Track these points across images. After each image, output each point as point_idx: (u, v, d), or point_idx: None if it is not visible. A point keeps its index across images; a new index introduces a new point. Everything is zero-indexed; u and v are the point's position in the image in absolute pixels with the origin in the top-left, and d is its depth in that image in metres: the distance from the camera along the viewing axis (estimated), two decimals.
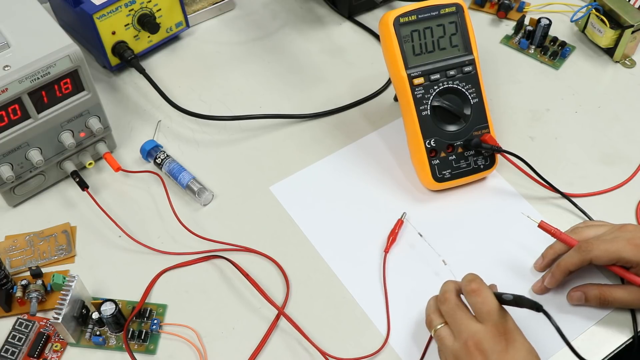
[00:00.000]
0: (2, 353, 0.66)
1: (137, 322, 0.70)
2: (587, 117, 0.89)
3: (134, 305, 0.71)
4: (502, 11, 1.00)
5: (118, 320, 0.68)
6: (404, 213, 0.78)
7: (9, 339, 0.67)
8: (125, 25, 0.89)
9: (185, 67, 0.95)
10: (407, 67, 0.77)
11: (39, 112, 0.73)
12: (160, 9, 0.91)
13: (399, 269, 0.74)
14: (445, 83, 0.78)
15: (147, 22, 0.90)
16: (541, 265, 0.73)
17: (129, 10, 0.88)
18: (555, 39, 0.96)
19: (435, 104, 0.78)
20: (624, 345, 0.70)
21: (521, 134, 0.86)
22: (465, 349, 0.60)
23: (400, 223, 0.77)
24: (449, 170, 0.79)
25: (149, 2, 0.90)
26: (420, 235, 0.76)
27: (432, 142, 0.78)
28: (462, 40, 0.79)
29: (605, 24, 0.91)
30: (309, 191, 0.81)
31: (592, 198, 0.80)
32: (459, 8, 0.78)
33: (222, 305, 0.72)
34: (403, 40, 0.77)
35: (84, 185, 0.78)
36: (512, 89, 0.92)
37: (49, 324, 0.70)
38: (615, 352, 0.69)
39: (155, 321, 0.70)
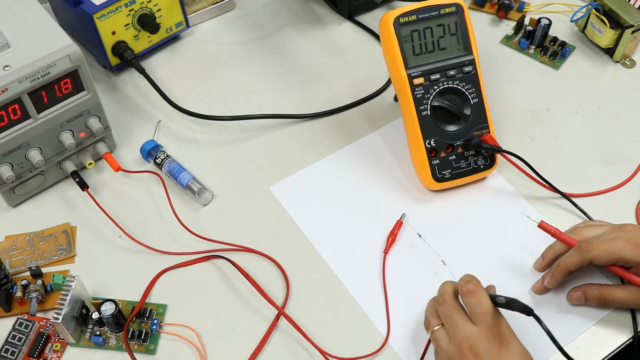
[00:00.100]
0: (2, 353, 0.66)
1: (137, 322, 0.70)
2: (587, 117, 0.89)
3: (134, 305, 0.71)
4: (502, 11, 1.00)
5: (118, 320, 0.68)
6: (403, 214, 0.78)
7: (9, 339, 0.67)
8: (125, 25, 0.89)
9: (185, 67, 0.95)
10: (407, 67, 0.77)
11: (39, 112, 0.73)
12: (160, 9, 0.91)
13: (398, 269, 0.74)
14: (445, 83, 0.78)
15: (147, 22, 0.90)
16: (541, 265, 0.73)
17: (129, 10, 0.88)
18: (555, 39, 0.96)
19: (435, 104, 0.78)
20: (624, 345, 0.70)
21: (521, 134, 0.86)
22: (460, 351, 0.60)
23: (399, 224, 0.77)
24: (449, 170, 0.79)
25: (149, 2, 0.90)
26: (420, 236, 0.76)
27: (432, 142, 0.78)
28: (462, 40, 0.79)
29: (605, 24, 0.91)
30: (309, 191, 0.81)
31: (592, 198, 0.80)
32: (459, 8, 0.78)
33: (222, 305, 0.72)
34: (403, 40, 0.77)
35: (84, 185, 0.78)
36: (512, 89, 0.92)
37: (49, 324, 0.70)
38: (615, 352, 0.69)
39: (155, 321, 0.70)
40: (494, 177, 0.82)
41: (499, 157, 0.80)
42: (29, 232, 0.77)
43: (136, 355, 0.68)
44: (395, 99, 0.90)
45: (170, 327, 0.70)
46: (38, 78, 0.70)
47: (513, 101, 0.90)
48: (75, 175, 0.79)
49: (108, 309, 0.67)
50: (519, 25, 0.98)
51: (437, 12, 0.77)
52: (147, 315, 0.71)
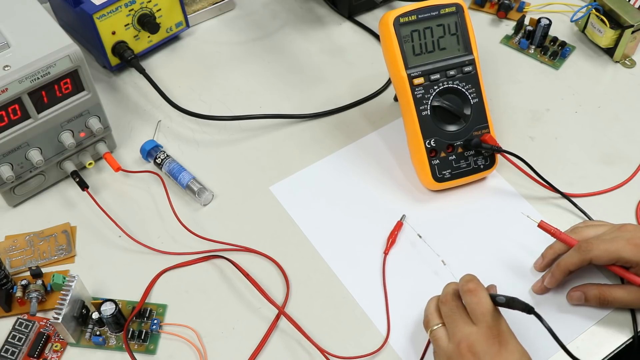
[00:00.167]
0: (2, 353, 0.66)
1: (137, 322, 0.70)
2: (587, 117, 0.89)
3: (134, 305, 0.71)
4: (502, 11, 1.00)
5: (118, 320, 0.68)
6: (404, 215, 0.78)
7: (9, 339, 0.67)
8: (125, 25, 0.89)
9: (185, 67, 0.95)
10: (407, 67, 0.77)
11: (39, 112, 0.73)
12: (160, 9, 0.91)
13: (399, 269, 0.74)
14: (445, 83, 0.78)
15: (147, 22, 0.90)
16: (541, 265, 0.73)
17: (129, 10, 0.88)
18: (555, 39, 0.96)
19: (435, 104, 0.78)
20: (624, 345, 0.69)
21: (521, 134, 0.86)
22: (458, 350, 0.61)
23: (399, 225, 0.77)
24: (449, 170, 0.79)
25: (149, 2, 0.90)
26: (420, 237, 0.76)
27: (432, 142, 0.78)
28: (462, 40, 0.79)
29: (605, 24, 0.91)
30: (309, 191, 0.81)
31: (592, 198, 0.80)
32: (459, 8, 0.78)
33: (222, 305, 0.72)
34: (403, 40, 0.77)
35: (84, 185, 0.78)
36: (512, 89, 0.92)
37: (49, 324, 0.70)
38: (615, 352, 0.69)
39: (155, 321, 0.70)
40: (494, 177, 0.82)
41: (499, 157, 0.80)
42: (29, 232, 0.77)
43: (136, 355, 0.68)
44: (395, 99, 0.90)
45: (170, 327, 0.70)
46: (38, 78, 0.70)
47: (513, 101, 0.90)
48: (75, 175, 0.79)
49: (108, 309, 0.67)
50: (519, 25, 0.98)
51: (437, 12, 0.77)
52: (147, 315, 0.71)
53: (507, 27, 1.00)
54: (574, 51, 0.96)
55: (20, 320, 0.69)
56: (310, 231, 0.77)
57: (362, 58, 0.96)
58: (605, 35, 0.92)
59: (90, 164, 0.81)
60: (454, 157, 0.79)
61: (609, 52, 0.95)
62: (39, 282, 0.71)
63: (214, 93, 0.92)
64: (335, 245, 0.76)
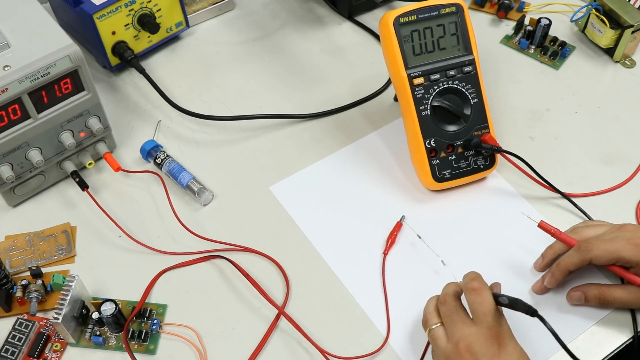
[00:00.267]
0: (2, 353, 0.66)
1: (137, 322, 0.70)
2: (587, 117, 0.89)
3: (134, 305, 0.71)
4: (502, 11, 1.00)
5: (118, 320, 0.68)
6: (403, 216, 0.78)
7: (9, 339, 0.67)
8: (125, 25, 0.89)
9: (185, 67, 0.95)
10: (407, 67, 0.77)
11: (39, 112, 0.73)
12: (160, 9, 0.91)
13: (399, 269, 0.74)
14: (445, 83, 0.78)
15: (147, 22, 0.90)
16: (541, 265, 0.73)
17: (129, 10, 0.88)
18: (555, 39, 0.96)
19: (435, 104, 0.78)
20: (624, 345, 0.69)
21: (521, 134, 0.86)
22: (457, 350, 0.60)
23: (398, 226, 0.77)
24: (449, 170, 0.79)
25: (149, 2, 0.90)
26: (419, 237, 0.76)
27: (432, 142, 0.78)
28: (462, 40, 0.79)
29: (605, 24, 0.91)
30: (309, 191, 0.81)
31: (592, 198, 0.80)
32: (459, 8, 0.78)
33: (222, 305, 0.72)
34: (403, 40, 0.77)
35: (84, 185, 0.78)
36: (512, 89, 0.92)
37: (49, 324, 0.70)
38: (615, 352, 0.69)
39: (155, 321, 0.70)
40: (494, 177, 0.82)
41: (499, 157, 0.80)
42: (29, 232, 0.77)
43: (136, 355, 0.68)
44: (395, 99, 0.90)
45: (170, 327, 0.70)
46: (38, 78, 0.70)
47: (513, 101, 0.90)
48: (75, 175, 0.79)
49: (108, 309, 0.67)
50: (519, 25, 0.98)
51: (437, 12, 0.77)
52: (147, 315, 0.71)
53: (507, 27, 1.00)
54: (574, 51, 0.96)
55: (20, 320, 0.69)
56: (310, 231, 0.77)
57: (362, 58, 0.96)
58: (605, 35, 0.92)
59: (90, 164, 0.81)
60: (454, 157, 0.79)
61: (609, 52, 0.95)
62: (39, 282, 0.71)
63: (214, 93, 0.92)
64: (335, 245, 0.76)
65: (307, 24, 1.01)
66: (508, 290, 0.67)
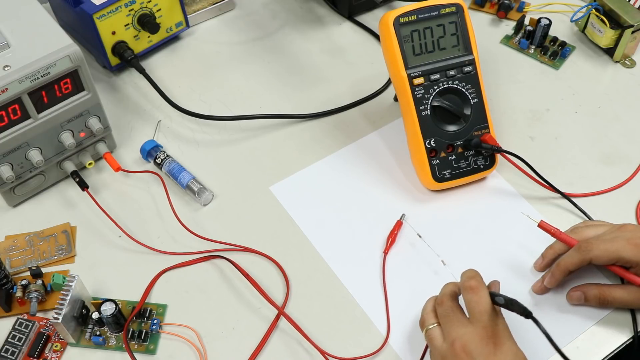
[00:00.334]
0: (2, 353, 0.66)
1: (137, 322, 0.70)
2: (587, 117, 0.89)
3: (134, 305, 0.71)
4: (502, 11, 1.00)
5: (118, 320, 0.68)
6: (403, 214, 0.78)
7: (9, 339, 0.67)
8: (125, 25, 0.89)
9: (185, 67, 0.95)
10: (407, 67, 0.77)
11: (39, 112, 0.73)
12: (160, 9, 0.91)
13: (399, 269, 0.74)
14: (445, 83, 0.78)
15: (147, 22, 0.90)
16: (541, 265, 0.73)
17: (129, 10, 0.88)
18: (555, 39, 0.96)
19: (435, 104, 0.78)
20: (624, 345, 0.69)
21: (521, 134, 0.86)
22: (452, 350, 0.60)
23: (399, 225, 0.77)
24: (449, 170, 0.79)
25: (149, 2, 0.90)
26: (419, 237, 0.76)
27: (432, 142, 0.78)
28: (462, 40, 0.79)
29: (605, 24, 0.91)
30: (309, 191, 0.81)
31: (592, 198, 0.80)
32: (459, 8, 0.78)
33: (222, 305, 0.72)
34: (403, 40, 0.77)
35: (84, 185, 0.78)
36: (512, 89, 0.92)
37: (49, 324, 0.70)
38: (615, 352, 0.69)
39: (155, 321, 0.70)
40: (494, 177, 0.82)
41: (499, 157, 0.80)
42: (29, 232, 0.77)
43: (136, 355, 0.68)
44: (395, 99, 0.90)
45: (170, 327, 0.70)
46: (38, 78, 0.70)
47: (513, 101, 0.90)
48: (75, 175, 0.79)
49: (108, 309, 0.67)
50: (519, 25, 0.98)
51: (437, 12, 0.77)
52: (147, 315, 0.71)
53: (507, 27, 1.00)
54: (574, 51, 0.96)
55: (20, 320, 0.69)
56: (310, 231, 0.77)
57: (362, 58, 0.96)
58: (605, 35, 0.92)
59: (90, 164, 0.81)
60: (454, 157, 0.79)
61: (609, 52, 0.95)
62: (39, 282, 0.71)
63: (214, 93, 0.92)
64: (335, 245, 0.76)
65: (307, 24, 1.01)
66: (508, 290, 0.67)
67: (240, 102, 0.91)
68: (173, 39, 0.98)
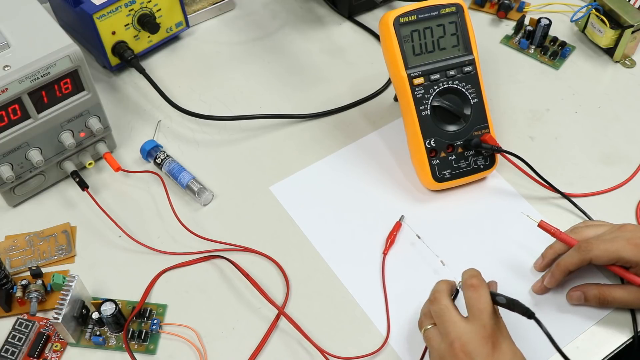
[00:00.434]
0: (2, 353, 0.66)
1: (137, 322, 0.70)
2: (587, 117, 0.89)
3: (134, 305, 0.71)
4: (502, 11, 1.00)
5: (118, 320, 0.68)
6: (402, 216, 0.78)
7: (9, 339, 0.67)
8: (125, 25, 0.89)
9: (185, 67, 0.95)
10: (407, 67, 0.77)
11: (39, 112, 0.73)
12: (160, 9, 0.91)
13: (398, 269, 0.74)
14: (445, 83, 0.78)
15: (147, 22, 0.90)
16: (541, 265, 0.73)
17: (129, 10, 0.88)
18: (555, 39, 0.96)
19: (435, 104, 0.78)
20: (624, 345, 0.69)
21: (521, 134, 0.86)
22: (451, 350, 0.60)
23: (398, 226, 0.77)
24: (449, 170, 0.79)
25: (149, 2, 0.90)
26: (419, 237, 0.76)
27: (432, 142, 0.78)
28: (462, 40, 0.79)
29: (605, 24, 0.91)
30: (309, 191, 0.81)
31: (592, 198, 0.80)
32: (459, 8, 0.78)
33: (222, 305, 0.72)
34: (403, 40, 0.77)
35: (84, 185, 0.78)
36: (512, 89, 0.92)
37: (49, 324, 0.70)
38: (615, 352, 0.69)
39: (155, 321, 0.70)
40: (494, 177, 0.82)
41: (499, 157, 0.80)
42: (29, 232, 0.77)
43: (136, 355, 0.68)
44: (395, 99, 0.90)
45: (170, 327, 0.70)
46: (38, 78, 0.70)
47: (513, 101, 0.90)
48: (75, 175, 0.79)
49: (108, 309, 0.67)
50: (519, 25, 0.98)
51: (437, 12, 0.77)
52: (147, 315, 0.71)
53: (507, 27, 1.00)
54: (574, 51, 0.96)
55: (20, 320, 0.69)
56: (310, 231, 0.77)
57: (362, 58, 0.96)
58: (605, 35, 0.92)
59: (90, 164, 0.81)
60: (454, 157, 0.79)
61: (609, 52, 0.95)
62: (39, 282, 0.71)
63: (214, 93, 0.92)
64: (335, 245, 0.76)
65: (307, 24, 1.01)
66: (508, 290, 0.67)
67: (240, 102, 0.91)
68: (173, 39, 0.98)
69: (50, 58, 0.70)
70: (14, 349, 0.67)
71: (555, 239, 0.71)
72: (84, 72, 0.74)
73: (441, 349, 0.61)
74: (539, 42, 0.95)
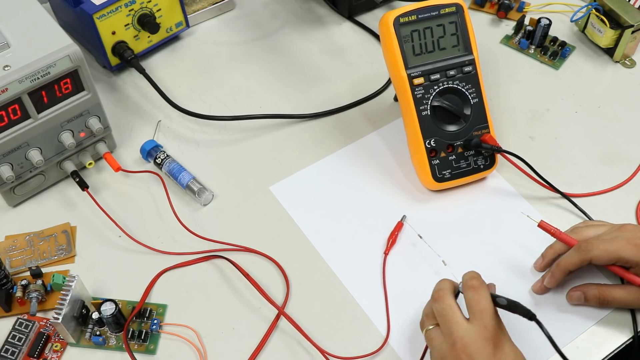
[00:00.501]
0: (2, 353, 0.66)
1: (137, 322, 0.70)
2: (587, 117, 0.89)
3: (134, 305, 0.71)
4: (502, 11, 1.00)
5: (118, 320, 0.68)
6: (404, 216, 0.78)
7: (9, 339, 0.67)
8: (125, 25, 0.89)
9: (185, 67, 0.95)
10: (407, 67, 0.77)
11: (39, 112, 0.73)
12: (160, 9, 0.91)
13: (399, 269, 0.74)
14: (445, 83, 0.78)
15: (147, 22, 0.90)
16: (541, 265, 0.73)
17: (129, 10, 0.88)
18: (555, 39, 0.96)
19: (435, 104, 0.78)
20: (624, 345, 0.69)
21: (521, 134, 0.86)
22: (453, 351, 0.60)
23: (399, 226, 0.77)
24: (449, 170, 0.79)
25: (149, 2, 0.90)
26: (420, 237, 0.76)
27: (432, 142, 0.78)
28: (462, 40, 0.79)
29: (605, 24, 0.91)
30: (309, 191, 0.81)
31: (592, 198, 0.80)
32: (459, 8, 0.78)
33: (222, 305, 0.72)
34: (403, 40, 0.77)
35: (84, 185, 0.78)
36: (512, 89, 0.92)
37: (49, 324, 0.70)
38: (615, 352, 0.69)
39: (155, 321, 0.70)
40: (494, 177, 0.82)
41: (499, 157, 0.80)
42: (29, 232, 0.77)
43: (136, 355, 0.68)
44: (395, 99, 0.90)
45: (170, 327, 0.70)
46: (38, 78, 0.70)
47: (513, 101, 0.90)
48: (75, 175, 0.79)
49: (108, 309, 0.67)
50: (519, 25, 0.98)
51: (437, 12, 0.77)
52: (147, 315, 0.71)
53: (507, 27, 1.00)
54: (574, 51, 0.96)
55: (20, 320, 0.69)
56: (310, 231, 0.77)
57: (362, 58, 0.96)
58: (605, 35, 0.92)
59: (90, 164, 0.81)
60: (454, 157, 0.79)
61: (609, 52, 0.95)
62: (39, 282, 0.71)
63: (214, 93, 0.92)
64: (336, 245, 0.76)
65: (307, 24, 1.01)
66: (508, 289, 0.68)
67: (240, 102, 0.91)
68: (173, 39, 0.98)
69: (50, 58, 0.70)
70: (14, 349, 0.67)
71: (555, 239, 0.71)
72: (84, 72, 0.74)
73: (443, 349, 0.61)
74: (539, 42, 0.95)
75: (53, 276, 0.71)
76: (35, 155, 0.74)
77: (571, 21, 0.97)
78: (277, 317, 0.71)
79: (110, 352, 0.69)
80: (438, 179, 0.78)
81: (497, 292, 0.66)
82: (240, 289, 0.73)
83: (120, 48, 0.89)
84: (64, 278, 0.70)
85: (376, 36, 0.98)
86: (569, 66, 0.94)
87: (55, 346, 0.68)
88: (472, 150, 0.79)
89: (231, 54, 0.97)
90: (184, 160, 0.84)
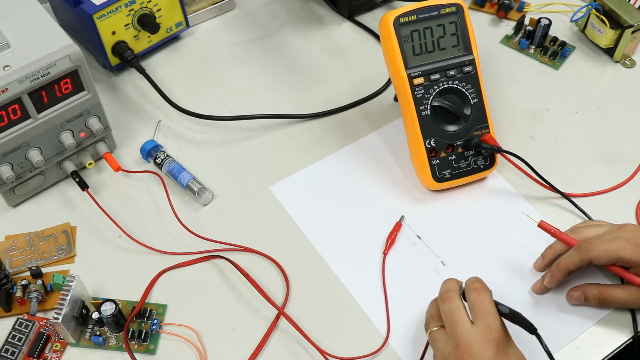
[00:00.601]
0: (2, 353, 0.66)
1: (137, 322, 0.70)
2: (587, 117, 0.89)
3: (134, 305, 0.71)
4: (502, 11, 1.00)
5: (118, 320, 0.68)
6: (403, 216, 0.78)
7: (9, 339, 0.67)
8: (125, 25, 0.89)
9: (185, 67, 0.95)
10: (407, 67, 0.77)
11: (39, 112, 0.73)
12: (160, 9, 0.91)
13: (399, 269, 0.74)
14: (445, 83, 0.78)
15: (147, 22, 0.90)
16: (541, 265, 0.73)
17: (129, 10, 0.88)
18: (555, 39, 0.96)
19: (435, 104, 0.78)
20: (624, 345, 0.70)
21: (521, 134, 0.86)
22: (457, 352, 0.60)
23: (398, 226, 0.77)
24: (449, 170, 0.79)
25: (149, 2, 0.90)
26: (419, 238, 0.76)
27: (432, 142, 0.78)
28: (462, 40, 0.79)
29: (605, 24, 0.91)
30: (309, 191, 0.81)
31: (592, 198, 0.80)
32: (459, 8, 0.78)
33: (222, 305, 0.72)
34: (403, 40, 0.77)
35: (84, 185, 0.78)
36: (512, 89, 0.92)
37: (49, 324, 0.70)
38: (615, 352, 0.69)
39: (155, 321, 0.70)
40: (494, 177, 0.82)
41: (499, 157, 0.80)
42: (29, 232, 0.77)
43: (136, 355, 0.68)
44: (395, 99, 0.90)
45: (170, 327, 0.70)
46: (38, 78, 0.70)
47: (513, 101, 0.90)
48: (75, 175, 0.79)
49: (108, 309, 0.67)
50: (519, 25, 0.98)
51: (437, 12, 0.77)
52: (147, 315, 0.71)
53: (507, 27, 1.00)
54: (574, 51, 0.96)
55: (20, 320, 0.69)
56: (310, 231, 0.77)
57: (362, 58, 0.96)
58: (605, 35, 0.92)
59: (90, 164, 0.81)
60: (454, 157, 0.79)
61: (609, 52, 0.95)
62: (39, 282, 0.71)
63: (214, 93, 0.92)
64: (335, 245, 0.76)
65: (307, 24, 1.01)
66: (508, 289, 0.68)
67: (240, 102, 0.91)
68: (173, 39, 0.98)
69: (50, 58, 0.70)
70: (14, 349, 0.67)
71: (555, 239, 0.71)
72: (84, 72, 0.74)
73: (446, 350, 0.61)
74: (539, 42, 0.95)
75: (53, 276, 0.71)
76: (35, 155, 0.74)
77: (571, 21, 0.97)
78: (277, 317, 0.71)
79: (110, 352, 0.69)
80: (438, 179, 0.78)
81: (498, 295, 0.66)
82: (240, 289, 0.73)
83: (120, 48, 0.89)
84: (64, 278, 0.70)
85: (376, 36, 0.98)
86: (569, 66, 0.94)
87: (55, 346, 0.68)
88: (472, 150, 0.79)
89: (231, 54, 0.97)
90: (184, 160, 0.84)
